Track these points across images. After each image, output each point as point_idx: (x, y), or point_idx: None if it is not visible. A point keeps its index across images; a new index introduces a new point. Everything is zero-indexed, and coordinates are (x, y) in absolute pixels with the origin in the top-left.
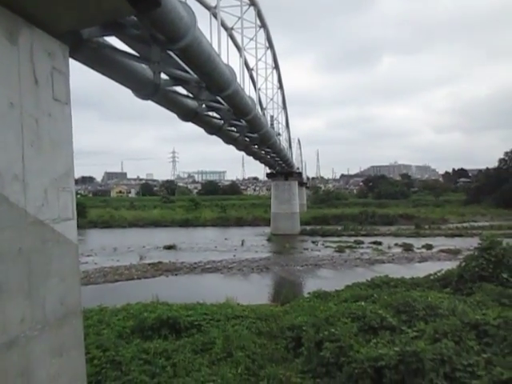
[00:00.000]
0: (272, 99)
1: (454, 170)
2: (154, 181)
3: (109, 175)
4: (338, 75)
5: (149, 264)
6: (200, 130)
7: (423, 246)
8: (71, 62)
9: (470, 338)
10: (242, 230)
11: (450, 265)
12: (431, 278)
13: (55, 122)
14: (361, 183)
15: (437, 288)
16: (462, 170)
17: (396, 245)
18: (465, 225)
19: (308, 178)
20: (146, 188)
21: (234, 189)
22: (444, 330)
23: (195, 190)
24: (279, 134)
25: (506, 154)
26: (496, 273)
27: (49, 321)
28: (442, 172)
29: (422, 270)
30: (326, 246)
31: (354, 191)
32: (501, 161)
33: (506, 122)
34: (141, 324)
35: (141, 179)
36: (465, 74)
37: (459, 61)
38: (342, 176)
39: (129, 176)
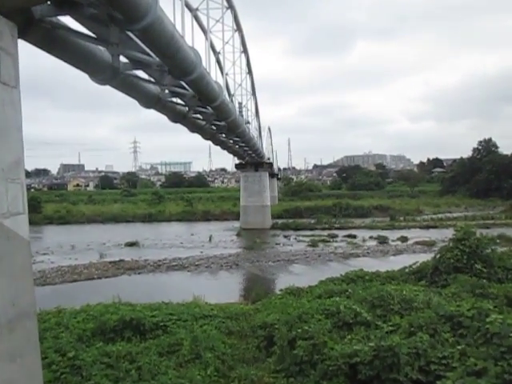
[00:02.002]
0: (240, 85)
1: (428, 159)
2: (114, 173)
3: (65, 167)
4: (310, 60)
5: (110, 262)
6: (163, 118)
7: (398, 239)
8: (21, 43)
9: (445, 330)
10: (209, 225)
11: (425, 257)
12: (406, 270)
13: (2, 107)
14: (334, 174)
15: (412, 281)
16: (436, 159)
17: (371, 238)
18: (440, 216)
19: (279, 169)
20: (106, 181)
21: (200, 181)
22: (419, 324)
23: (159, 183)
24: (248, 122)
25: (480, 143)
26: (470, 264)
27: None
28: (416, 162)
29: (397, 262)
30: (299, 241)
31: (328, 182)
32: (474, 150)
33: (477, 110)
34: (102, 326)
35: (100, 171)
36: (438, 62)
37: (433, 48)
38: (315, 166)
39: (87, 168)
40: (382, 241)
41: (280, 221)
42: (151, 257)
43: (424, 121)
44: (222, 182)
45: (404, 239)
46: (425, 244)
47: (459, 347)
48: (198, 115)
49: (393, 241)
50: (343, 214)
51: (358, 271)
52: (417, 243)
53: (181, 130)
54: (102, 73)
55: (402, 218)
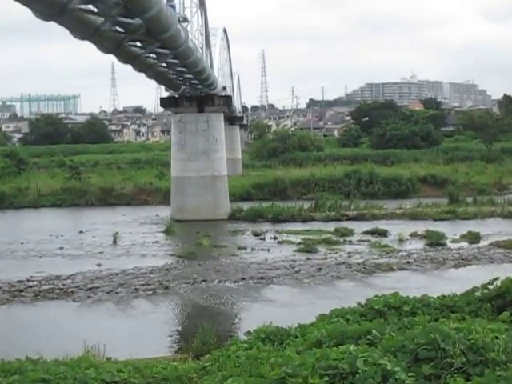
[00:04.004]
0: None
1: None
2: None
3: None
4: None
5: None
6: (25, 13)
7: (463, 237)
8: None
9: None
10: (113, 214)
11: (510, 269)
12: (477, 295)
13: None
14: (347, 118)
15: (487, 313)
16: None
17: (414, 235)
18: None
19: (245, 109)
20: None
21: (95, 131)
22: None
23: (17, 136)
24: (185, 20)
25: None
26: None
27: None
28: (497, 96)
29: (460, 280)
30: (282, 242)
31: (336, 133)
32: None
33: None
34: None
35: None
36: None
37: None
38: (312, 104)
39: None
40: (435, 241)
41: (246, 205)
42: (4, 275)
43: None
44: (138, 133)
45: (474, 238)
46: (511, 246)
47: None
48: (90, 6)
49: (454, 241)
50: (363, 193)
51: (389, 297)
52: (496, 245)
53: (58, 33)
54: None
55: (470, 200)
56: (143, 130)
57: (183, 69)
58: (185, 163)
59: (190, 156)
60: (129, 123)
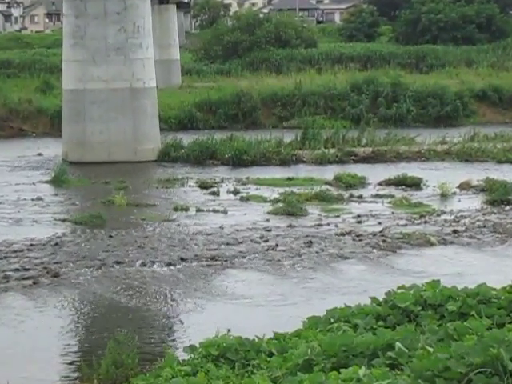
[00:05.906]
0: None
1: None
2: None
3: None
4: None
5: None
6: None
7: None
8: None
9: None
10: None
11: None
12: None
13: None
14: None
15: None
16: None
17: (465, 187)
18: None
19: None
20: None
21: None
22: None
23: None
24: None
25: None
26: None
27: None
28: None
29: None
30: (247, 198)
31: (336, 18)
32: None
33: None
34: None
35: None
36: None
37: None
38: None
39: None
40: (500, 197)
41: (188, 137)
42: None
43: None
44: (7, 18)
45: None
46: None
47: None
48: None
49: None
50: (383, 117)
51: (424, 288)
52: None
53: None
54: None
55: None
56: (16, 12)
57: None
58: (86, 68)
59: (93, 56)
60: None
